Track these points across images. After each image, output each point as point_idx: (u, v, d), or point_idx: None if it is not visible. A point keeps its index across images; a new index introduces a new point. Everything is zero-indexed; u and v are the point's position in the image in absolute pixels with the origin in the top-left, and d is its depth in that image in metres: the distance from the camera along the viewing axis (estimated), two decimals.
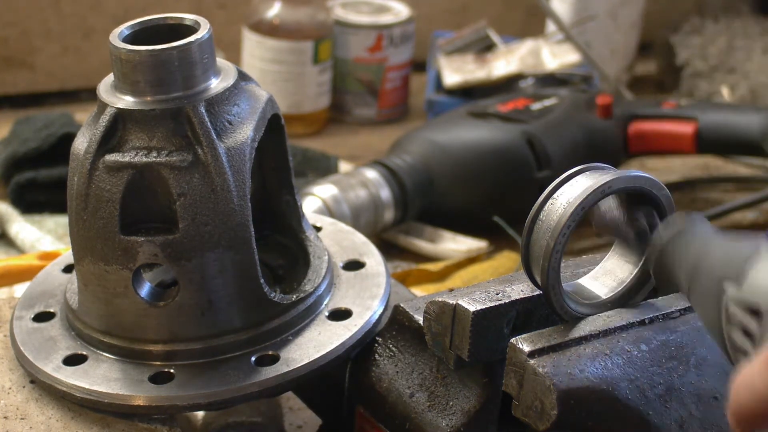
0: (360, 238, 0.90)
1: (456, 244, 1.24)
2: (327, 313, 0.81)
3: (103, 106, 0.76)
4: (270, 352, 0.78)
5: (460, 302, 0.71)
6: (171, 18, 0.78)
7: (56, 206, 1.25)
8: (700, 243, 0.65)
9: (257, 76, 1.44)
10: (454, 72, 1.52)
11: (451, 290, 0.76)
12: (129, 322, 0.77)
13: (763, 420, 0.55)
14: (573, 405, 0.67)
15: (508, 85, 1.51)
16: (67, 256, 0.88)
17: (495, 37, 1.60)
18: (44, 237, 1.17)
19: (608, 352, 0.69)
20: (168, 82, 0.75)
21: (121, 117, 0.75)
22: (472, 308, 0.70)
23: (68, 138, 1.26)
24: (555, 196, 0.70)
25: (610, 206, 0.71)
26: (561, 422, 0.67)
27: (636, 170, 0.72)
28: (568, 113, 1.33)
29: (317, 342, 0.78)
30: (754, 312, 0.60)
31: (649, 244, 0.69)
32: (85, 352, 0.79)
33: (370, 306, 0.81)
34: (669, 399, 0.70)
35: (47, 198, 1.26)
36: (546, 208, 0.70)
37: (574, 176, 0.71)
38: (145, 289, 0.77)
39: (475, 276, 1.16)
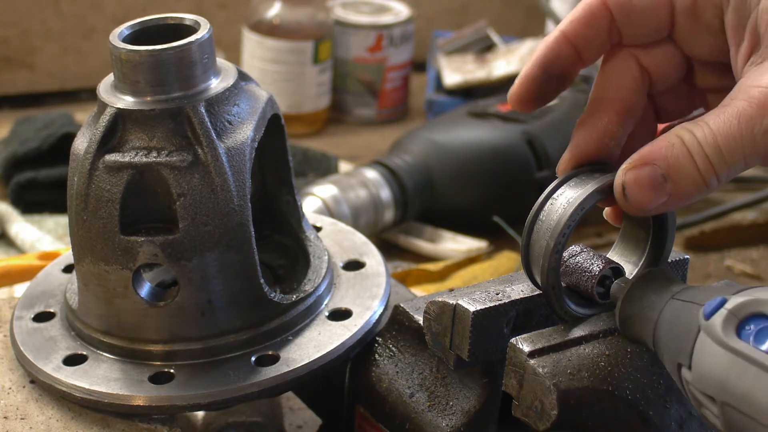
0: (360, 238, 0.90)
1: (456, 244, 1.24)
2: (327, 313, 0.81)
3: (103, 106, 0.76)
4: (270, 352, 0.78)
5: (460, 302, 0.71)
6: (171, 18, 0.78)
7: (56, 206, 1.25)
8: (654, 310, 0.65)
9: (257, 76, 1.44)
10: (454, 72, 1.53)
11: (451, 290, 0.76)
12: (129, 322, 0.77)
13: None
14: (573, 405, 0.67)
15: (508, 85, 1.51)
16: (67, 256, 0.88)
17: (495, 37, 1.60)
18: (44, 237, 1.17)
19: (608, 352, 0.69)
20: (168, 82, 0.75)
21: (121, 117, 0.75)
22: (472, 308, 0.70)
23: (68, 138, 1.26)
24: (555, 196, 0.70)
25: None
26: (561, 422, 0.67)
27: None
28: (568, 113, 1.33)
29: (317, 342, 0.78)
30: (711, 397, 0.60)
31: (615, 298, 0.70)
32: (85, 352, 0.79)
33: (370, 306, 0.81)
34: (669, 399, 0.70)
35: (47, 198, 1.26)
36: (546, 208, 0.70)
37: (574, 176, 0.71)
38: (145, 289, 0.77)
39: (475, 276, 1.16)
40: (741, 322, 0.60)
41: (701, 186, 0.64)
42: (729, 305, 0.60)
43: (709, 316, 0.61)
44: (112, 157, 0.74)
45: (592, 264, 0.71)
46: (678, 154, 0.64)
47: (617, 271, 0.71)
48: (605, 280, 0.71)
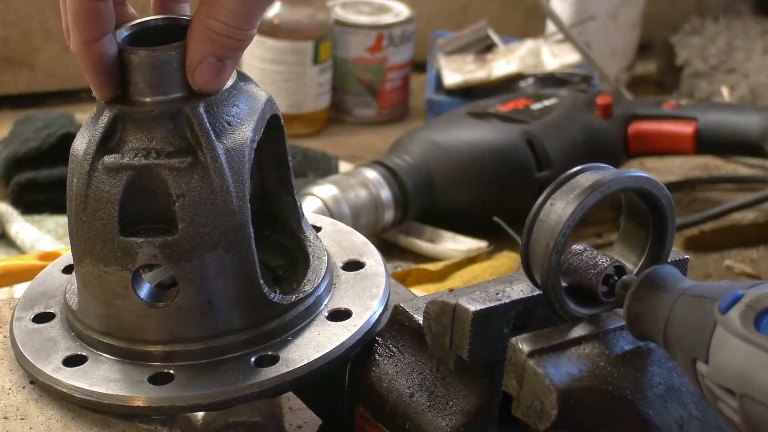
0: (360, 238, 0.90)
1: (456, 244, 1.24)
2: (327, 314, 0.81)
3: (102, 106, 0.76)
4: (270, 353, 0.78)
5: (460, 302, 0.71)
6: (170, 18, 0.78)
7: (56, 206, 1.25)
8: (665, 307, 0.65)
9: (257, 76, 1.44)
10: (454, 72, 1.52)
11: (451, 290, 0.76)
12: (128, 323, 0.77)
13: None
14: (573, 405, 0.67)
15: (508, 85, 1.51)
16: (67, 256, 0.88)
17: (495, 37, 1.60)
18: (44, 237, 1.17)
19: (608, 352, 0.69)
20: (167, 82, 0.74)
21: (120, 118, 0.75)
22: (472, 308, 0.70)
23: (68, 138, 1.26)
24: (555, 196, 0.70)
25: None
26: (561, 422, 0.67)
27: (636, 170, 0.72)
28: (568, 113, 1.33)
29: (317, 342, 0.78)
30: (729, 391, 0.61)
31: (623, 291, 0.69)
32: (84, 353, 0.79)
33: (370, 306, 0.81)
34: (669, 399, 0.70)
35: (47, 198, 1.26)
36: (546, 208, 0.70)
37: (574, 176, 0.71)
38: (144, 290, 0.77)
39: (475, 276, 1.16)
40: (759, 314, 0.60)
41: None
42: (746, 299, 0.61)
43: (725, 310, 0.61)
44: (111, 158, 0.74)
45: (596, 263, 0.71)
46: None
47: (620, 269, 0.71)
48: (609, 278, 0.71)
